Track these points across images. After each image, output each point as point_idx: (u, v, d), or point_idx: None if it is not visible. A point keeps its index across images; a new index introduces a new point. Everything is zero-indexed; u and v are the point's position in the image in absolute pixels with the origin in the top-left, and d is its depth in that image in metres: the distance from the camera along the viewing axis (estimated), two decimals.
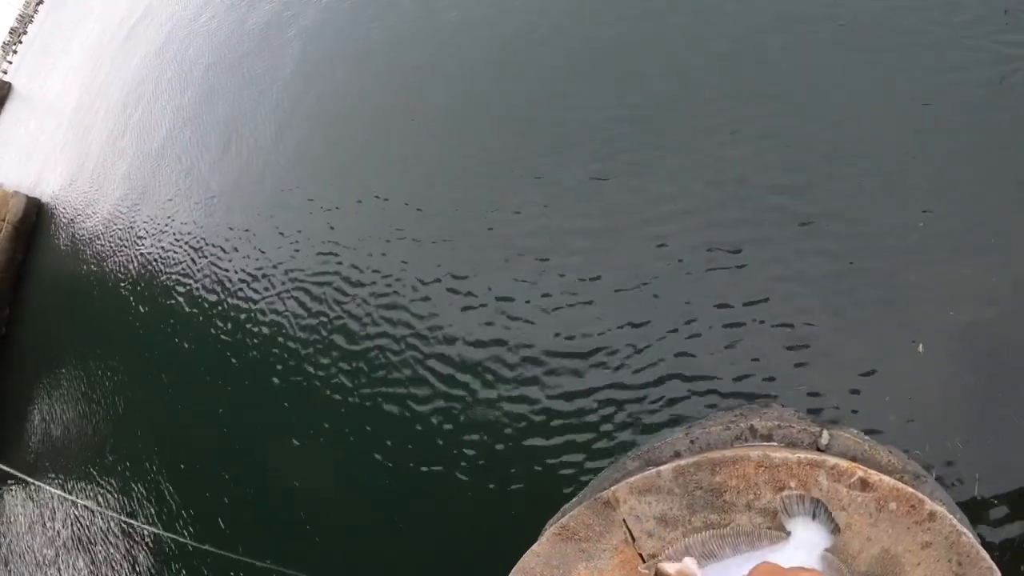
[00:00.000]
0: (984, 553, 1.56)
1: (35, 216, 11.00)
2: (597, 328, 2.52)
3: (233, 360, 4.63)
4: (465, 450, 2.79)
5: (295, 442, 3.98)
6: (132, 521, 5.39)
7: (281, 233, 4.64)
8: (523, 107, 3.37)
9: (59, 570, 6.50)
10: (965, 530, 1.58)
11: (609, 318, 2.51)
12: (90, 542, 6.18)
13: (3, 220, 10.92)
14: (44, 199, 11.25)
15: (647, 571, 1.14)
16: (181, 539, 4.74)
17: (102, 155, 9.48)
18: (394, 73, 4.42)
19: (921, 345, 1.95)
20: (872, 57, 2.32)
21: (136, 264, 6.65)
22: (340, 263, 4.00)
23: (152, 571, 5.05)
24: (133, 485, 5.59)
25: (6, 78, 30.64)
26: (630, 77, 2.96)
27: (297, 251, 4.41)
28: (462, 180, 3.48)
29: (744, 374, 2.13)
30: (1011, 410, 1.85)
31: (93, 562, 5.96)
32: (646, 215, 2.57)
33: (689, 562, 1.03)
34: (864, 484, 1.62)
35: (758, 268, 2.23)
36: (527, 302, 2.83)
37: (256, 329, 4.48)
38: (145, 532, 5.22)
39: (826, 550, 1.30)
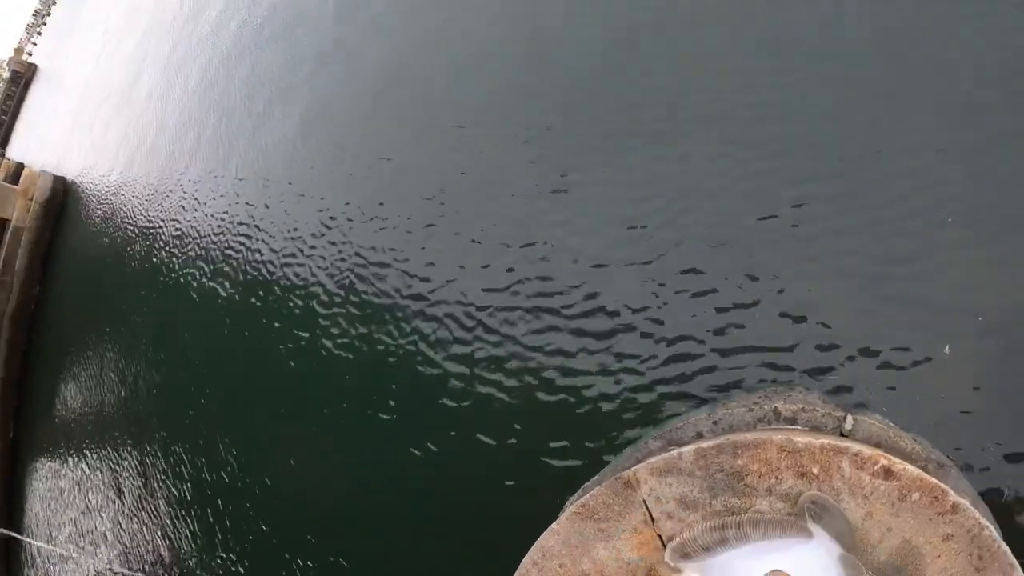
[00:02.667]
0: (1006, 548, 1.54)
1: (62, 194, 11.25)
2: (623, 306, 2.51)
3: (251, 330, 4.72)
4: (488, 428, 2.82)
5: (311, 423, 4.06)
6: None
7: (306, 216, 4.66)
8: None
9: None
10: (988, 524, 1.56)
11: (637, 297, 2.49)
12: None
13: (31, 199, 11.19)
14: (70, 177, 11.49)
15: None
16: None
17: (126, 133, 9.61)
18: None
19: (948, 347, 1.92)
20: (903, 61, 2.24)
21: (161, 239, 6.77)
22: (364, 251, 4.01)
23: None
24: (150, 451, 5.79)
25: (31, 60, 31.11)
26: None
27: (320, 234, 4.43)
28: (493, 168, 3.45)
29: (769, 360, 2.11)
30: None
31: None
32: (681, 197, 2.53)
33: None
34: (887, 473, 1.60)
35: (793, 260, 2.19)
36: (551, 278, 2.83)
37: (274, 302, 4.55)
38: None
39: (843, 553, 1.30)
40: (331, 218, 4.39)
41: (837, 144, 2.24)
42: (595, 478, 2.00)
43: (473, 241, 3.27)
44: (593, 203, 2.81)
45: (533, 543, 1.74)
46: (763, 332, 2.15)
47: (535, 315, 2.81)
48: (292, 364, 4.26)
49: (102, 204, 9.33)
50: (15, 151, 22.80)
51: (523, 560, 1.75)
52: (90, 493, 7.17)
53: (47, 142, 16.41)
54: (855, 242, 2.12)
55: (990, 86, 2.04)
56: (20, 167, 13.71)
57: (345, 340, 3.89)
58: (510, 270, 3.01)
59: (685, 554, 0.99)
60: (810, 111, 2.32)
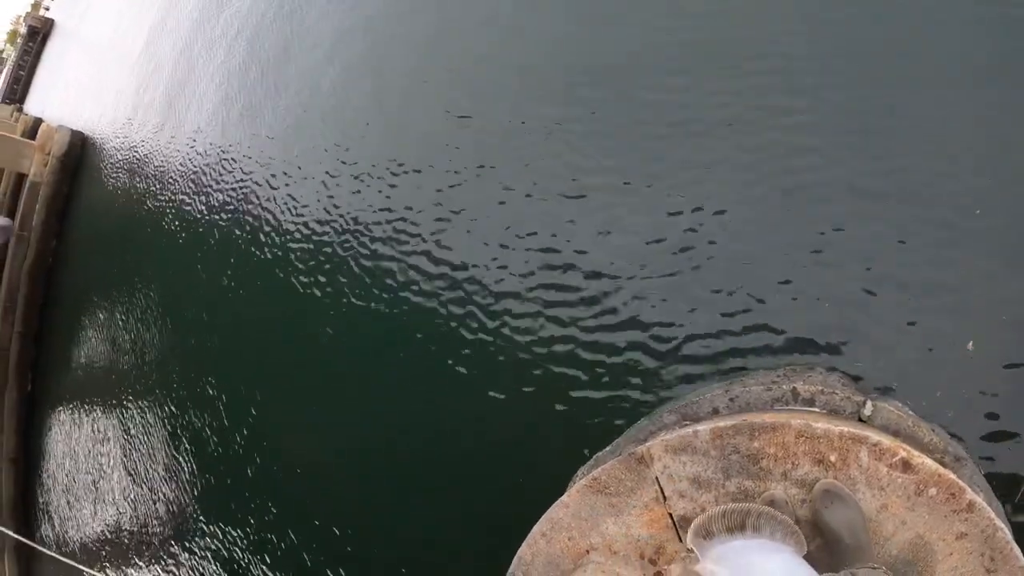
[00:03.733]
0: (1018, 551, 1.53)
1: (80, 149, 11.26)
2: (640, 274, 2.48)
3: (271, 290, 4.74)
4: (499, 397, 2.82)
5: (321, 394, 4.10)
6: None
7: (317, 194, 4.61)
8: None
9: None
10: (1002, 525, 1.55)
11: (651, 264, 2.46)
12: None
13: (48, 154, 11.22)
14: (88, 132, 11.48)
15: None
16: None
17: (143, 88, 9.55)
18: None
19: (971, 343, 1.87)
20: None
21: (178, 195, 6.79)
22: (372, 240, 3.95)
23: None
24: (161, 411, 5.92)
25: (48, 14, 30.96)
26: None
27: (330, 213, 4.40)
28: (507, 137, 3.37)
29: (792, 336, 2.08)
30: None
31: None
32: (700, 171, 2.47)
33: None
34: (906, 465, 1.58)
35: (818, 246, 2.14)
36: (565, 239, 2.79)
37: (293, 258, 4.56)
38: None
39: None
40: (335, 206, 4.34)
41: (871, 140, 2.17)
42: (607, 449, 2.00)
43: (485, 244, 3.23)
44: (614, 167, 2.74)
45: (543, 514, 1.75)
46: (786, 311, 2.12)
47: (549, 283, 2.78)
48: (303, 335, 4.30)
49: (119, 159, 9.35)
50: (33, 106, 22.84)
51: (532, 530, 1.76)
52: (103, 447, 7.37)
53: (65, 97, 16.39)
54: (882, 231, 2.07)
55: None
56: (38, 122, 13.74)
57: (353, 319, 3.89)
58: (525, 261, 2.98)
59: (708, 532, 0.98)
60: (847, 112, 2.22)
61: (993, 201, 1.93)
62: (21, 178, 11.77)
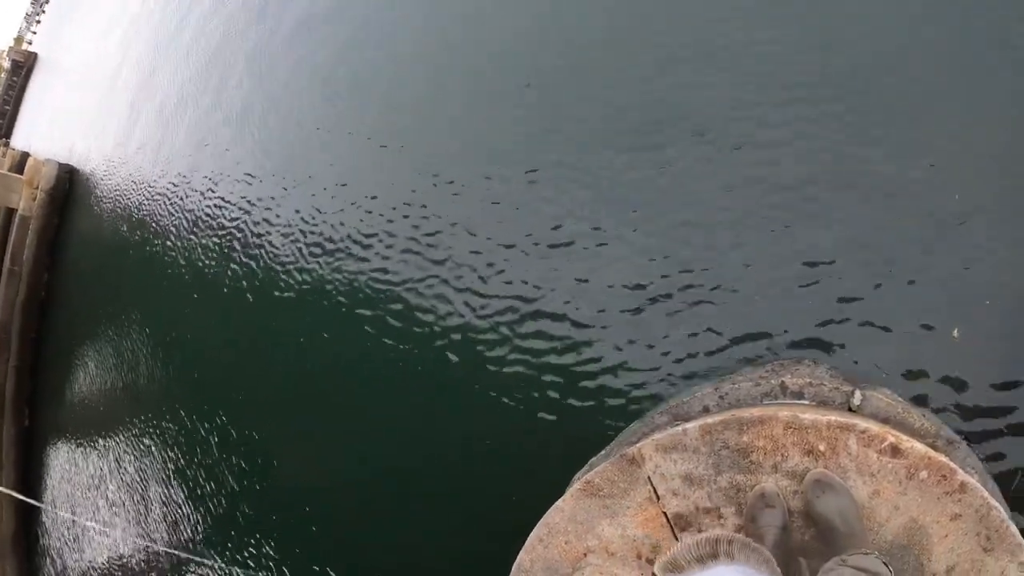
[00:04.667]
0: (1014, 529, 1.53)
1: (68, 182, 11.26)
2: (626, 279, 2.50)
3: (261, 319, 4.74)
4: (493, 406, 2.82)
5: (317, 413, 4.10)
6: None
7: (316, 196, 4.60)
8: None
9: None
10: (996, 504, 1.55)
11: (639, 269, 2.48)
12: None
13: (36, 188, 11.21)
14: (76, 164, 11.49)
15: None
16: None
17: (129, 119, 9.58)
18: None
19: (956, 330, 1.89)
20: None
21: (168, 224, 6.78)
22: (372, 233, 3.96)
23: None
24: (160, 439, 5.89)
25: (31, 48, 31.08)
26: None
27: (329, 216, 4.40)
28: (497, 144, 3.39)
29: (777, 330, 2.09)
30: None
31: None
32: (681, 172, 2.49)
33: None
34: (895, 450, 1.59)
35: (802, 234, 2.16)
36: (548, 247, 2.82)
37: (285, 288, 4.56)
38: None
39: None
40: (323, 241, 4.34)
41: (851, 138, 2.18)
42: (602, 452, 2.00)
43: (471, 234, 3.21)
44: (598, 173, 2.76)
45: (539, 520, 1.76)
46: (772, 305, 2.13)
47: (539, 290, 2.80)
48: (298, 355, 4.30)
49: (108, 191, 9.35)
50: (19, 140, 22.84)
51: (529, 536, 1.76)
52: (102, 478, 7.31)
53: (50, 130, 16.41)
54: (865, 220, 2.08)
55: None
56: (25, 156, 13.73)
57: (346, 336, 3.90)
58: (522, 281, 2.97)
59: (678, 566, 0.96)
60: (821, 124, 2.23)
61: (973, 189, 1.95)
62: (11, 212, 11.74)
